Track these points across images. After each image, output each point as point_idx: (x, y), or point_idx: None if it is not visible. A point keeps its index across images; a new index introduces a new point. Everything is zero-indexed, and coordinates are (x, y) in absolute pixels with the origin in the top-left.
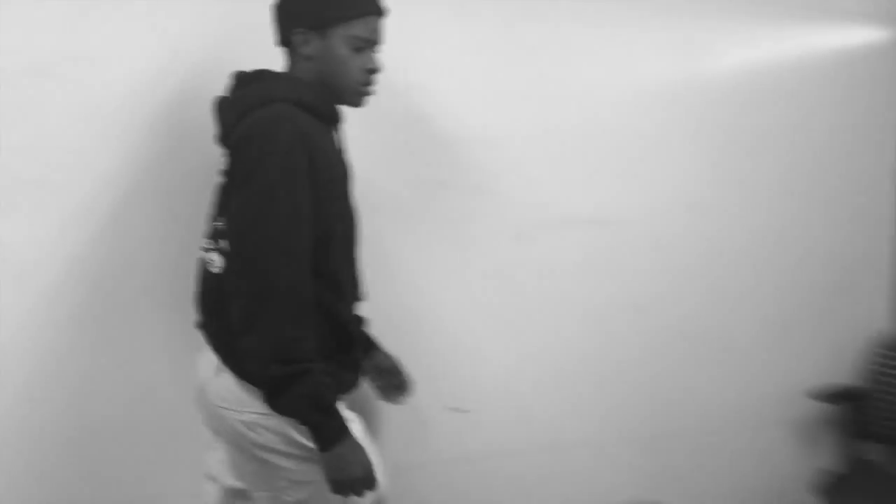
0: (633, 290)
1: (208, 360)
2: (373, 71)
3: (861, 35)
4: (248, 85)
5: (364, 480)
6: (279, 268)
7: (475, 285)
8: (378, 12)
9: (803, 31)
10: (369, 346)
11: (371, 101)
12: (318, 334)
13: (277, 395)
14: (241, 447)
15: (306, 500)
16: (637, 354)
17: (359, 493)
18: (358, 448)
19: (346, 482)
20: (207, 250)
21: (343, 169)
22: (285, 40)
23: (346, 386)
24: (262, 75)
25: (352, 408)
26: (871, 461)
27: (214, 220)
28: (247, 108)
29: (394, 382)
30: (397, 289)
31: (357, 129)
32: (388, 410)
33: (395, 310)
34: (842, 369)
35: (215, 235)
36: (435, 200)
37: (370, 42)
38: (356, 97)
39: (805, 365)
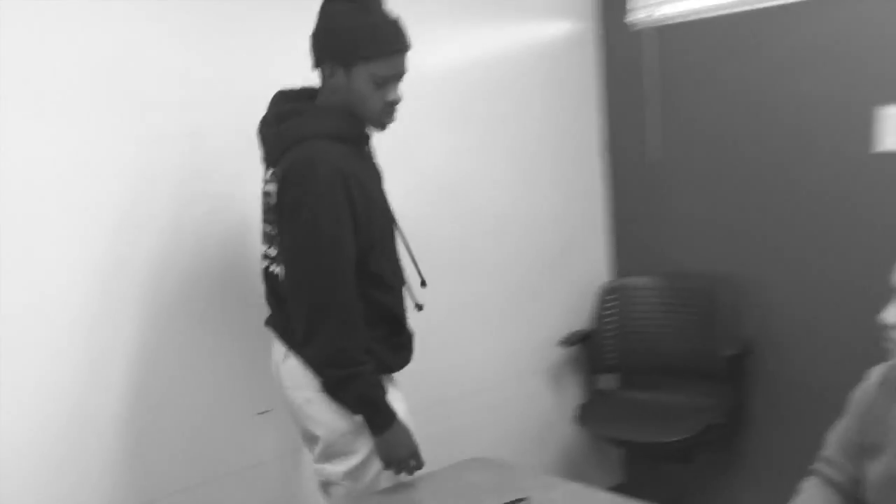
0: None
1: (277, 348)
2: (393, 103)
3: (562, 28)
4: (288, 118)
5: (410, 460)
6: (327, 290)
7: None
8: (400, 51)
9: (516, 28)
10: None
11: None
12: (372, 325)
13: (335, 394)
14: (300, 421)
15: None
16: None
17: (408, 472)
18: (404, 432)
19: (394, 461)
20: (265, 255)
21: (376, 183)
22: (316, 68)
23: (399, 363)
24: (297, 109)
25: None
26: (604, 390)
27: (265, 223)
28: (288, 143)
29: None
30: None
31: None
32: None
33: None
34: (579, 317)
35: (269, 240)
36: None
37: (391, 79)
38: (378, 125)
39: (550, 317)
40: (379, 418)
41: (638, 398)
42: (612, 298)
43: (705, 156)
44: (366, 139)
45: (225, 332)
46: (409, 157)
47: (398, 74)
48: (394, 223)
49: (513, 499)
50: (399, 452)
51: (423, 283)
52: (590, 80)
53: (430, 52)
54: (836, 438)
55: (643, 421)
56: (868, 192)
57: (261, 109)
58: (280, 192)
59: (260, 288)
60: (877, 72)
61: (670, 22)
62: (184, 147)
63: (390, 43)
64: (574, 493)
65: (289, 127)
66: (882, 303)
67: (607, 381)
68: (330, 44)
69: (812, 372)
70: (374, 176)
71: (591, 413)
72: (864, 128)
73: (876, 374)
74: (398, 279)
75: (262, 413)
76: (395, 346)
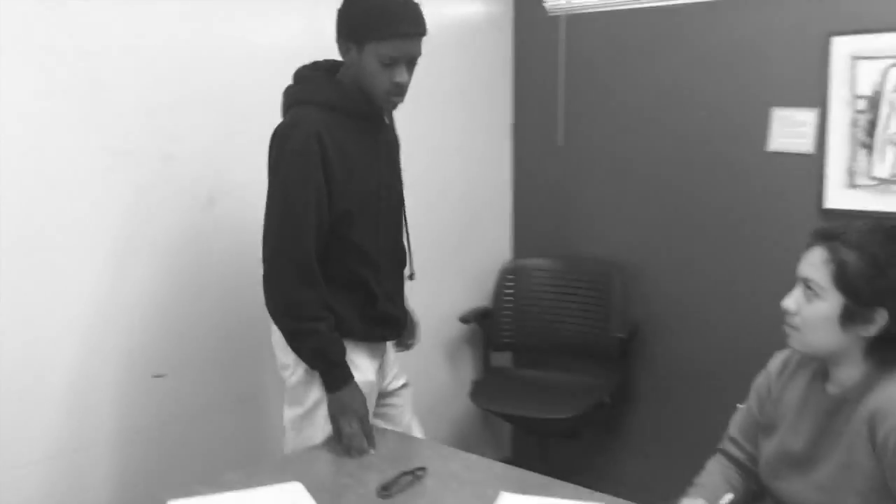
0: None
1: None
2: (399, 84)
3: (479, 9)
4: (296, 84)
5: (355, 422)
6: (287, 246)
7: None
8: (409, 35)
9: (433, 6)
10: None
11: (50, 72)
12: (344, 290)
13: (292, 345)
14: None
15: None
16: None
17: (348, 441)
18: (356, 396)
19: (341, 422)
20: None
21: (370, 158)
22: (338, 44)
23: (370, 335)
24: (305, 76)
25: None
26: (499, 367)
27: None
28: (286, 107)
29: (405, 333)
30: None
31: (36, 102)
32: None
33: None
34: (480, 294)
35: None
36: (121, 169)
37: (398, 59)
38: (384, 103)
39: (452, 294)
40: (331, 376)
41: (530, 376)
42: (510, 278)
43: (606, 144)
44: (368, 114)
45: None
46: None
47: (406, 56)
48: (384, 201)
49: (412, 468)
50: (346, 414)
51: (412, 276)
52: (504, 63)
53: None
54: (739, 419)
55: (534, 398)
56: (760, 188)
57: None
58: (268, 152)
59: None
60: (773, 74)
61: (585, 10)
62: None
63: (400, 25)
64: (470, 463)
65: (289, 92)
66: (761, 292)
67: (503, 359)
68: (346, 22)
69: (692, 354)
70: (370, 151)
71: (484, 389)
72: (760, 127)
73: (776, 359)
74: (381, 256)
75: (157, 377)
76: (366, 318)
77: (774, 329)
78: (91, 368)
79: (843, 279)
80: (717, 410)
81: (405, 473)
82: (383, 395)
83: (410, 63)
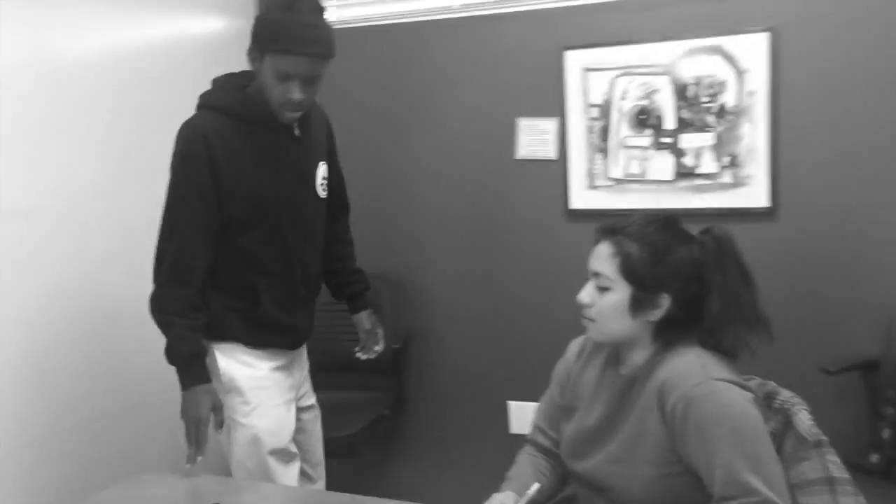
0: (59, 279)
1: None
2: (289, 101)
3: (220, 23)
4: (209, 89)
5: (192, 426)
6: (164, 243)
7: None
8: (303, 53)
9: (171, 20)
10: (355, 307)
11: None
12: (228, 295)
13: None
14: None
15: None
16: (76, 336)
17: (190, 437)
18: (199, 402)
19: (186, 420)
20: None
21: (267, 165)
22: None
23: (256, 341)
24: (216, 82)
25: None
26: None
27: None
28: (196, 109)
29: (367, 342)
30: None
31: None
32: None
33: None
34: None
35: None
36: None
37: (291, 76)
38: (279, 116)
39: None
40: (181, 373)
41: None
42: None
43: (363, 158)
44: (268, 122)
45: None
46: (55, 154)
47: (301, 75)
48: (285, 210)
49: None
50: (185, 415)
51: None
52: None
53: (78, 39)
54: (542, 408)
55: None
56: (512, 194)
57: None
58: None
59: None
60: (517, 86)
61: (336, 26)
62: None
63: (295, 43)
64: (265, 493)
65: (200, 96)
66: (522, 290)
67: None
68: (254, 31)
69: (462, 357)
70: (271, 159)
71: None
72: (508, 136)
73: (573, 346)
74: (276, 263)
75: None
76: (249, 322)
77: (537, 325)
78: None
79: (628, 270)
80: (490, 408)
81: None
82: (298, 409)
83: (308, 81)
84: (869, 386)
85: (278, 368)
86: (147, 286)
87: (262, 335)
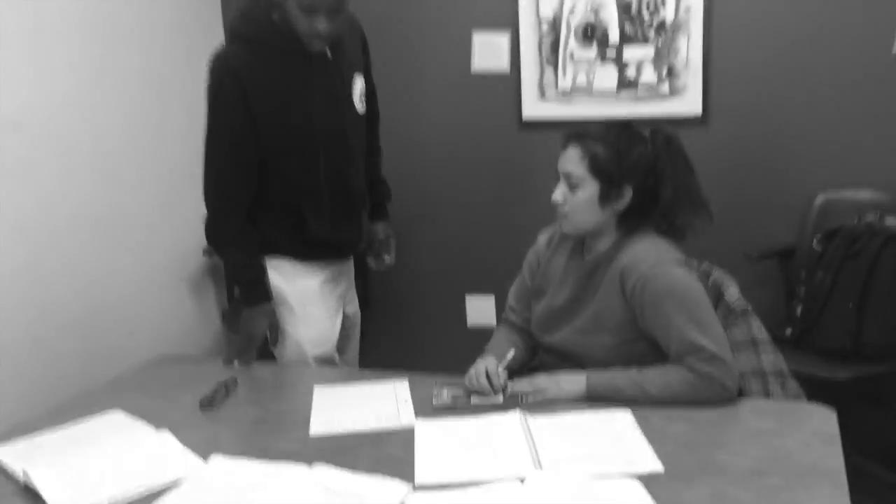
0: (46, 189)
1: None
2: (315, 31)
3: None
4: (237, 17)
5: (246, 338)
6: (209, 175)
7: None
8: None
9: None
10: (373, 216)
11: None
12: (275, 216)
13: None
14: None
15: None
16: (63, 252)
17: (240, 345)
18: (255, 319)
19: (241, 333)
20: None
21: (299, 94)
22: None
23: (303, 252)
24: (242, 10)
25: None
26: None
27: None
28: (227, 38)
29: (378, 250)
30: None
31: None
32: None
33: None
34: None
35: None
36: None
37: (316, 8)
38: (309, 46)
39: (191, 227)
40: (241, 294)
41: None
42: None
43: None
44: (297, 50)
45: None
46: (32, 62)
47: (325, 6)
48: (322, 135)
49: (224, 379)
50: (243, 327)
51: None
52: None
53: None
54: (514, 290)
55: None
56: (470, 107)
57: None
58: None
59: None
60: (471, 1)
61: None
62: None
63: None
64: (277, 369)
65: (229, 24)
66: (482, 197)
67: None
68: None
69: (423, 258)
70: (305, 87)
71: (235, 315)
72: (465, 50)
73: (542, 237)
74: (322, 184)
75: None
76: (297, 240)
77: (493, 226)
78: None
79: (596, 167)
80: (449, 302)
81: (220, 386)
82: (343, 315)
83: (331, 12)
84: (785, 270)
85: (325, 282)
86: (122, 190)
87: (310, 250)
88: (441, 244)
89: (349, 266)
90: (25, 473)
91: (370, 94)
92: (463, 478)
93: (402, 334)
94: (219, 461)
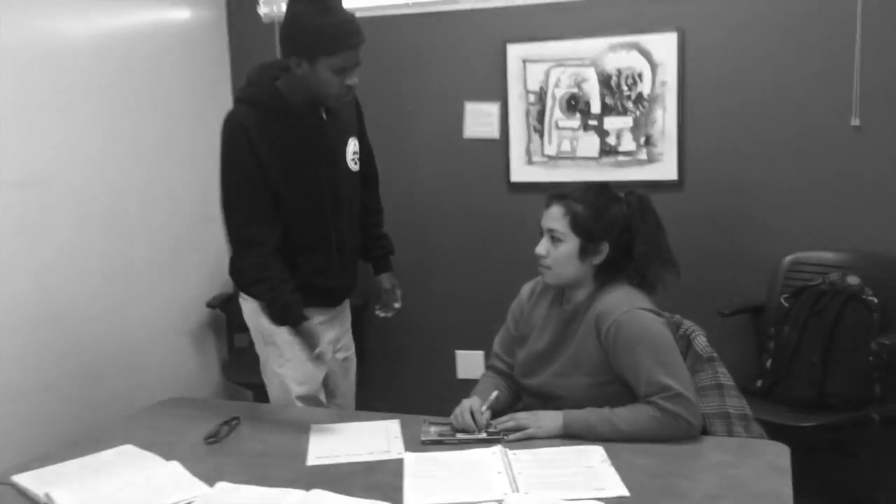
0: (67, 243)
1: None
2: (351, 87)
3: (193, 13)
4: (244, 85)
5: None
6: (229, 221)
7: None
8: (355, 46)
9: (145, 9)
10: (378, 269)
11: None
12: (287, 258)
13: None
14: None
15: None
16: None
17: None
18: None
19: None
20: None
21: (299, 150)
22: (284, 58)
23: (304, 298)
24: (249, 79)
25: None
26: (242, 347)
27: None
28: (234, 102)
29: (386, 300)
30: None
31: None
32: None
33: None
34: (222, 280)
35: None
36: None
37: (349, 67)
38: (337, 103)
39: (196, 282)
40: (280, 322)
41: None
42: None
43: None
44: (299, 113)
45: None
46: (62, 128)
47: (354, 64)
48: (319, 187)
49: (227, 418)
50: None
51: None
52: (223, 68)
53: (78, 24)
54: (498, 339)
55: None
56: (461, 170)
57: None
58: None
59: None
60: (464, 74)
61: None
62: None
63: (348, 40)
64: (275, 409)
65: (237, 92)
66: (468, 255)
67: (244, 340)
68: (295, 41)
69: (415, 315)
70: (304, 144)
71: (233, 365)
72: (457, 118)
73: (526, 288)
74: (308, 236)
75: None
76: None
77: (482, 284)
78: None
79: (576, 225)
80: (440, 357)
81: (224, 423)
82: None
83: (356, 67)
84: (755, 326)
85: (326, 326)
86: (140, 247)
87: (301, 294)
88: (433, 300)
89: (344, 313)
90: (48, 496)
91: (367, 155)
92: (448, 500)
93: (395, 384)
94: (224, 486)
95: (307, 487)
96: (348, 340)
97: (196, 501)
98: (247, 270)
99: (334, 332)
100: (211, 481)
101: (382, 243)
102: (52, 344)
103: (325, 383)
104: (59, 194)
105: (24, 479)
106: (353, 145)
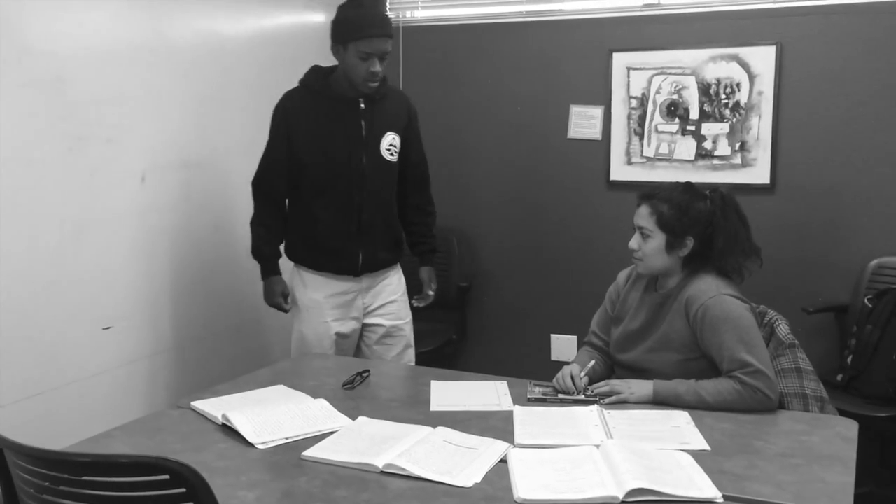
0: (220, 219)
1: None
2: (373, 72)
3: (327, 17)
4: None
5: (274, 306)
6: (257, 175)
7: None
8: (377, 35)
9: (261, 11)
10: (420, 262)
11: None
12: (299, 226)
13: None
14: None
15: None
16: (232, 268)
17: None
18: (272, 289)
19: (268, 303)
20: None
21: (329, 130)
22: (332, 50)
23: (310, 261)
24: (311, 68)
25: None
26: None
27: None
28: None
29: (422, 288)
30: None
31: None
32: None
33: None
34: None
35: None
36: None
37: (371, 54)
38: (364, 88)
39: None
40: (261, 268)
41: None
42: None
43: (448, 136)
44: (339, 97)
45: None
46: (215, 119)
47: (378, 52)
48: (344, 166)
49: (360, 370)
50: (267, 299)
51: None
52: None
53: (187, 28)
54: (596, 318)
55: None
56: (563, 167)
57: None
58: None
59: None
60: (570, 79)
61: (417, 24)
62: None
63: (371, 28)
64: (399, 366)
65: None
66: (566, 247)
67: None
68: (335, 29)
69: (511, 297)
70: (340, 125)
71: None
72: (562, 120)
73: (622, 275)
74: (329, 208)
75: (106, 329)
76: (312, 246)
77: (578, 273)
78: (51, 320)
79: (662, 222)
80: (535, 340)
81: (357, 374)
82: (370, 325)
83: (381, 57)
84: (838, 324)
85: (331, 295)
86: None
87: (316, 259)
88: (532, 286)
89: (376, 287)
90: (225, 417)
91: (419, 159)
92: (552, 441)
93: (493, 364)
94: (364, 420)
95: (433, 426)
96: (389, 311)
97: (342, 430)
98: (257, 214)
99: (358, 302)
100: (352, 416)
101: (427, 240)
102: (207, 304)
103: (369, 341)
104: (213, 175)
105: (202, 405)
106: (390, 138)
